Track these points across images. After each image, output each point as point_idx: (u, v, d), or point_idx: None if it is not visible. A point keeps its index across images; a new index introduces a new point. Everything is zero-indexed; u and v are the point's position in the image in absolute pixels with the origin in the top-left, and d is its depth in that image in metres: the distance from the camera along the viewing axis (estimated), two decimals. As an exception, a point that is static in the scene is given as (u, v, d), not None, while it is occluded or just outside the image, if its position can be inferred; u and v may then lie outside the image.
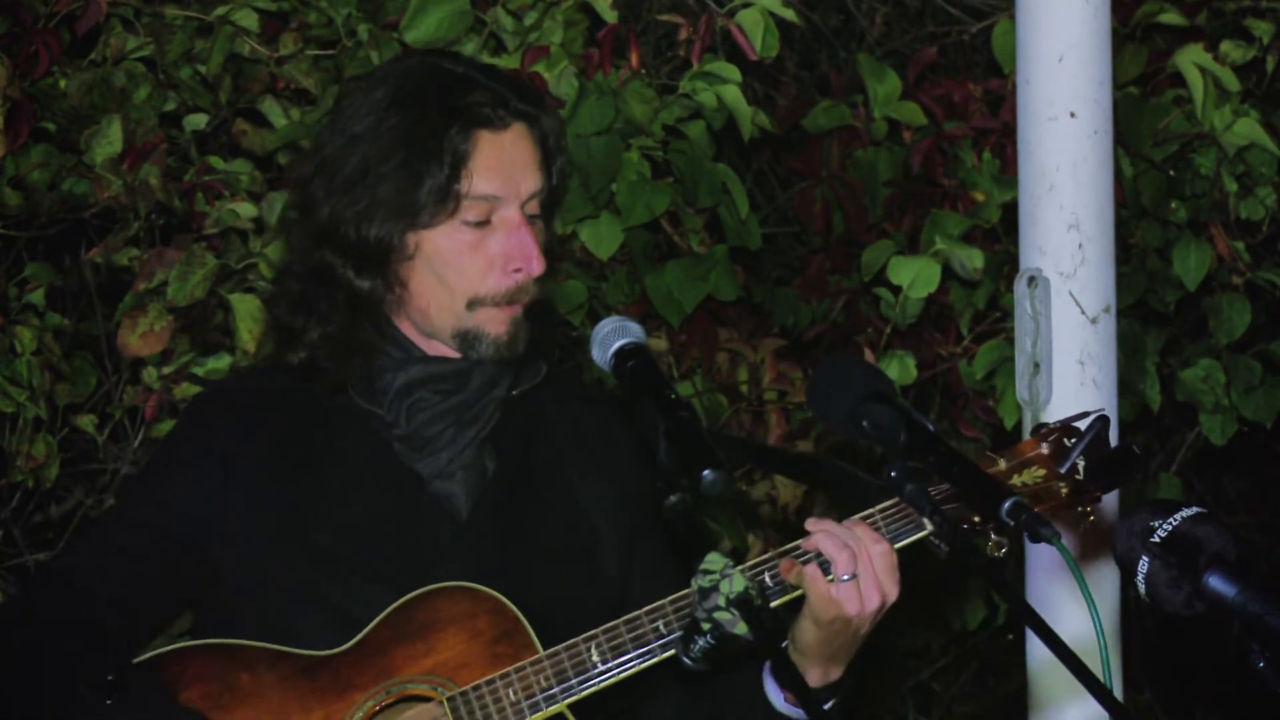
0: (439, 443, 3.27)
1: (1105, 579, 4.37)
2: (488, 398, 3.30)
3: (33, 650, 3.16)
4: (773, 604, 3.12)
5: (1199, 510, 2.80)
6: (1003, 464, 3.16)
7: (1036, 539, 2.75)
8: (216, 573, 3.26)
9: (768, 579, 3.13)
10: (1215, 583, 2.72)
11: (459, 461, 3.28)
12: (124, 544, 3.26)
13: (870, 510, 3.15)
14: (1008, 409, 4.74)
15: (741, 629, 2.74)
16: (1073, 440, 3.17)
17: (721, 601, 2.74)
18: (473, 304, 3.26)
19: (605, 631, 3.13)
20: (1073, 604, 4.19)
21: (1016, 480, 3.14)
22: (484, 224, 3.27)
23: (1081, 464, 3.16)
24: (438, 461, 3.27)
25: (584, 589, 3.30)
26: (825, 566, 3.10)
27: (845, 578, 3.09)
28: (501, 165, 3.28)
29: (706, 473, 2.68)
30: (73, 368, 4.45)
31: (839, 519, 3.15)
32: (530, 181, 3.30)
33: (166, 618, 3.35)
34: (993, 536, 3.05)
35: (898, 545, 3.13)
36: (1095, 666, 2.65)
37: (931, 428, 2.89)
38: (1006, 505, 2.75)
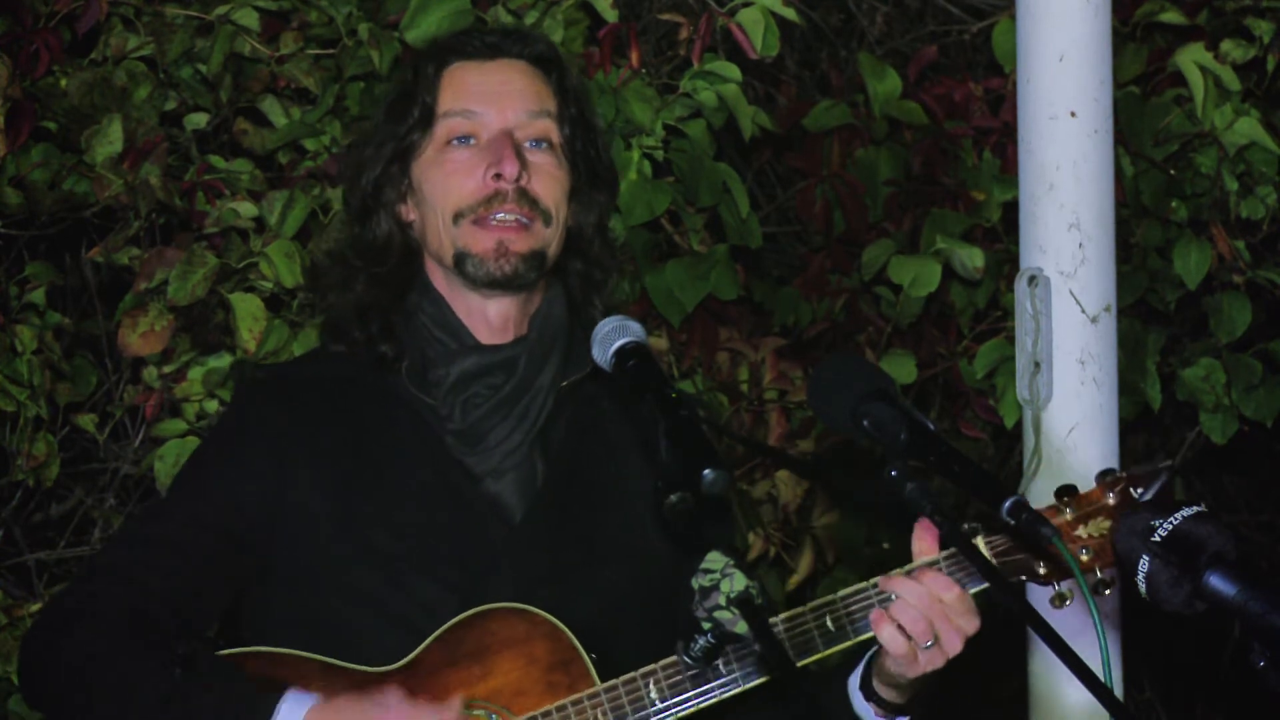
0: (492, 439, 3.25)
1: (1106, 578, 4.37)
2: (535, 385, 3.28)
3: (91, 644, 3.15)
4: (849, 642, 3.11)
5: (1199, 509, 2.80)
6: (1069, 514, 3.16)
7: (1037, 538, 2.75)
8: (269, 566, 3.24)
9: (849, 627, 3.11)
10: (1216, 582, 2.72)
11: (510, 460, 3.26)
12: (175, 539, 3.25)
13: (935, 557, 3.13)
14: (1008, 408, 4.73)
15: (742, 628, 2.74)
16: (1139, 491, 3.15)
17: (722, 600, 2.74)
18: (458, 217, 3.26)
19: (664, 668, 3.10)
20: (1074, 603, 4.18)
21: (1082, 532, 3.14)
22: (469, 142, 3.28)
23: None
24: (490, 458, 3.25)
25: (636, 593, 3.28)
26: None
27: (927, 645, 3.07)
28: (480, 85, 3.30)
29: (707, 472, 2.67)
30: (73, 367, 4.45)
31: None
32: (521, 104, 3.28)
33: (218, 611, 3.34)
34: (1056, 588, 3.09)
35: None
36: (1096, 666, 2.65)
37: (932, 427, 2.89)
38: (1007, 505, 2.75)
